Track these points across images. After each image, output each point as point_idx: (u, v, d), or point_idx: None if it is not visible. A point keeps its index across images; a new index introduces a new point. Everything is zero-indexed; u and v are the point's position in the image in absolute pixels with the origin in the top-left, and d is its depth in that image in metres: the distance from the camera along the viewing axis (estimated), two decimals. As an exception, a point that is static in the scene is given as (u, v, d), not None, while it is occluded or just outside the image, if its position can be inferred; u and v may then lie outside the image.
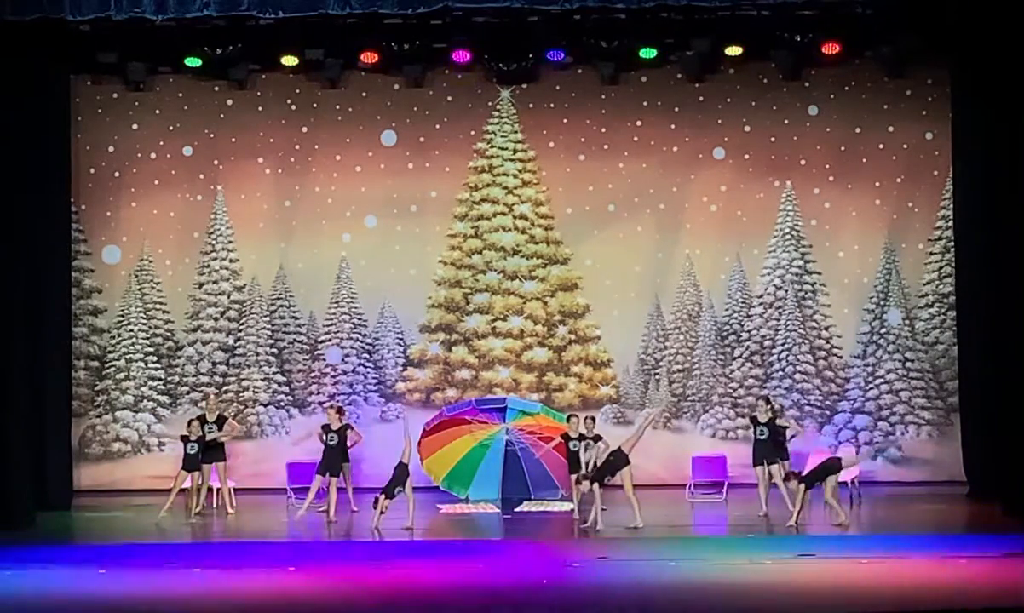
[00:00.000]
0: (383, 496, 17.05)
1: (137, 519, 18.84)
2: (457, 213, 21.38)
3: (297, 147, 21.31)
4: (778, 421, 18.51)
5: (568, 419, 18.72)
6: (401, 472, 17.27)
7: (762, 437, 18.28)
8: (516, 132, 21.35)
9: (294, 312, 21.39)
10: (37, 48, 18.41)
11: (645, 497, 19.12)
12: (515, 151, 21.38)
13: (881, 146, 21.09)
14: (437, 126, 21.26)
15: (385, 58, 20.09)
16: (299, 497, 19.32)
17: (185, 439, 18.68)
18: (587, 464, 17.80)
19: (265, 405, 21.23)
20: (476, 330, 21.32)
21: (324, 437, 18.41)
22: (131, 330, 21.22)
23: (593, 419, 18.79)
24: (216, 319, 21.32)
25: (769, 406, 18.59)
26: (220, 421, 19.05)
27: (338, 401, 20.65)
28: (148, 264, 21.29)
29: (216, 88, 21.14)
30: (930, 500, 19.33)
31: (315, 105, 21.25)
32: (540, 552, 16.04)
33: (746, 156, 21.20)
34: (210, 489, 19.10)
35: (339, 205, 21.34)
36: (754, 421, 18.49)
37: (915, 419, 21.00)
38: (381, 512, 16.97)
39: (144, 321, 21.24)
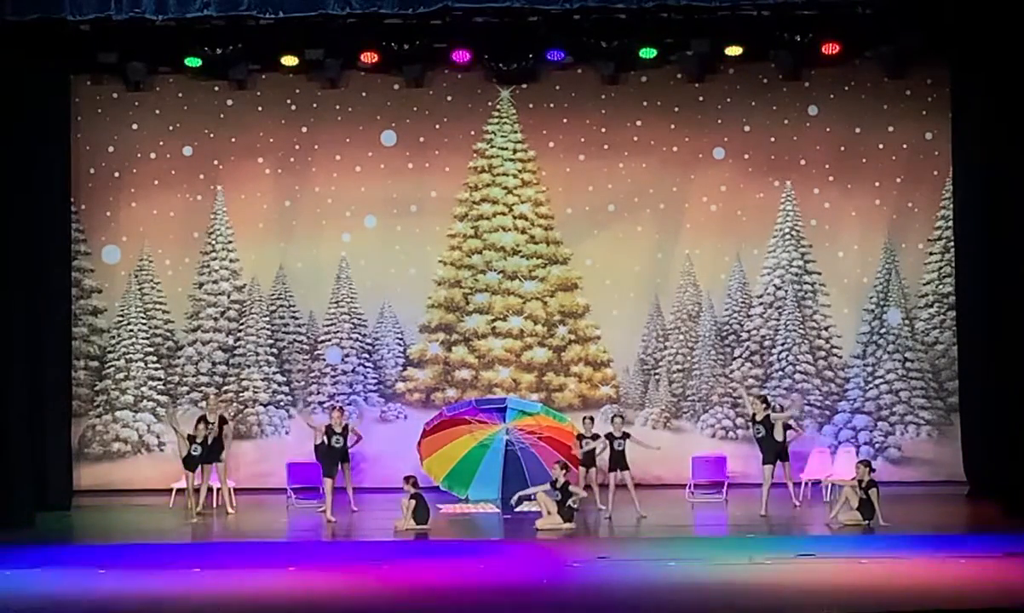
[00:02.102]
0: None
1: (137, 519, 18.86)
2: (457, 213, 21.38)
3: (297, 147, 21.31)
4: (772, 416, 18.44)
5: (584, 421, 19.08)
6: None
7: (759, 435, 18.33)
8: (516, 132, 21.35)
9: (294, 312, 21.38)
10: (37, 48, 18.42)
11: (645, 497, 19.17)
12: (515, 151, 21.38)
13: (881, 146, 21.08)
14: (437, 126, 21.25)
15: (385, 58, 20.10)
16: (299, 497, 19.34)
17: (192, 439, 18.68)
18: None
19: (265, 405, 21.22)
20: (476, 330, 21.32)
21: (328, 440, 18.38)
22: (131, 330, 21.21)
23: (592, 419, 19.06)
24: (216, 319, 21.31)
25: (764, 404, 18.59)
26: (220, 422, 19.08)
27: (338, 401, 20.66)
28: (148, 264, 21.28)
29: (216, 88, 21.13)
30: (930, 500, 19.35)
31: (315, 105, 21.24)
32: (540, 552, 16.04)
33: (746, 156, 21.20)
34: (210, 489, 19.11)
35: (339, 205, 21.34)
36: (753, 419, 18.57)
37: (915, 419, 21.01)
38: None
39: (144, 321, 21.23)
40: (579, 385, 21.24)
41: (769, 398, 19.48)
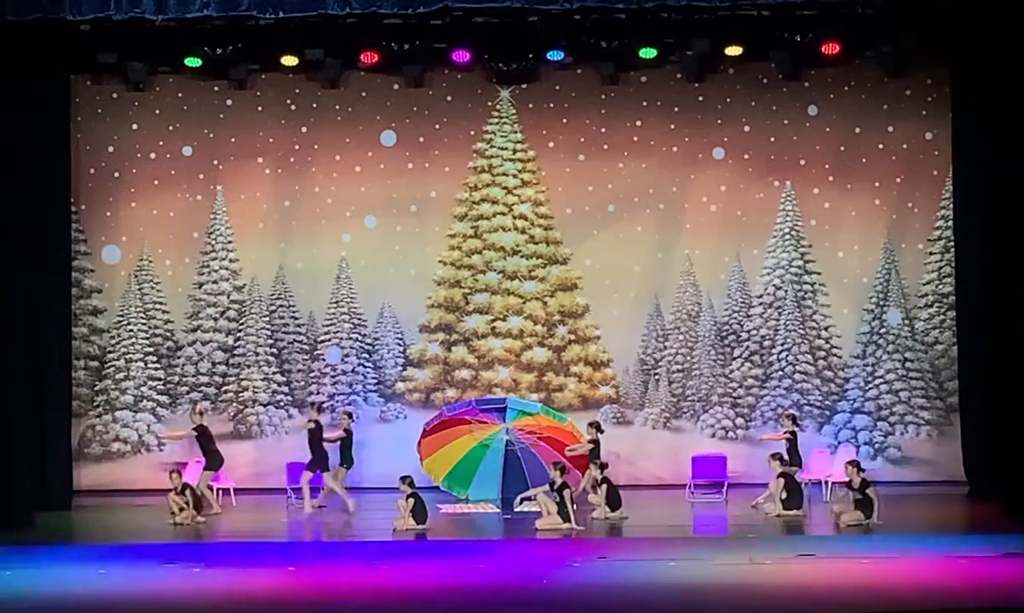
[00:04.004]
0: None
1: (137, 519, 18.86)
2: (457, 213, 21.38)
3: (297, 147, 21.31)
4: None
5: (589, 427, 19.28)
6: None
7: (859, 499, 17.29)
8: (516, 132, 21.35)
9: (294, 312, 21.38)
10: (37, 48, 18.41)
11: (645, 497, 19.20)
12: (515, 151, 21.38)
13: (881, 146, 21.08)
14: (437, 126, 21.25)
15: (385, 58, 20.09)
16: (299, 497, 19.32)
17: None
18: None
19: (265, 405, 21.22)
20: (476, 330, 21.31)
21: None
22: (131, 330, 21.21)
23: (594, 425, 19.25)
24: (216, 319, 21.31)
25: (858, 472, 17.46)
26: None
27: (338, 402, 20.73)
28: (148, 264, 21.28)
29: (216, 88, 21.13)
30: (930, 500, 19.35)
31: (315, 105, 21.24)
32: (540, 552, 16.04)
33: (746, 156, 21.20)
34: (211, 488, 19.16)
35: (339, 205, 21.34)
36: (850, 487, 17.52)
37: (915, 419, 21.01)
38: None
39: (144, 321, 21.23)
40: (579, 385, 21.24)
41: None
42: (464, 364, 21.30)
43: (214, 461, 18.99)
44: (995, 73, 18.19)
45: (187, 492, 18.10)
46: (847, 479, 17.41)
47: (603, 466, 18.26)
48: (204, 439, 18.98)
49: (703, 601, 13.64)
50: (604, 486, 18.00)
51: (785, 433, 19.03)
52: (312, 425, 19.04)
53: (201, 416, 19.31)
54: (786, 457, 18.38)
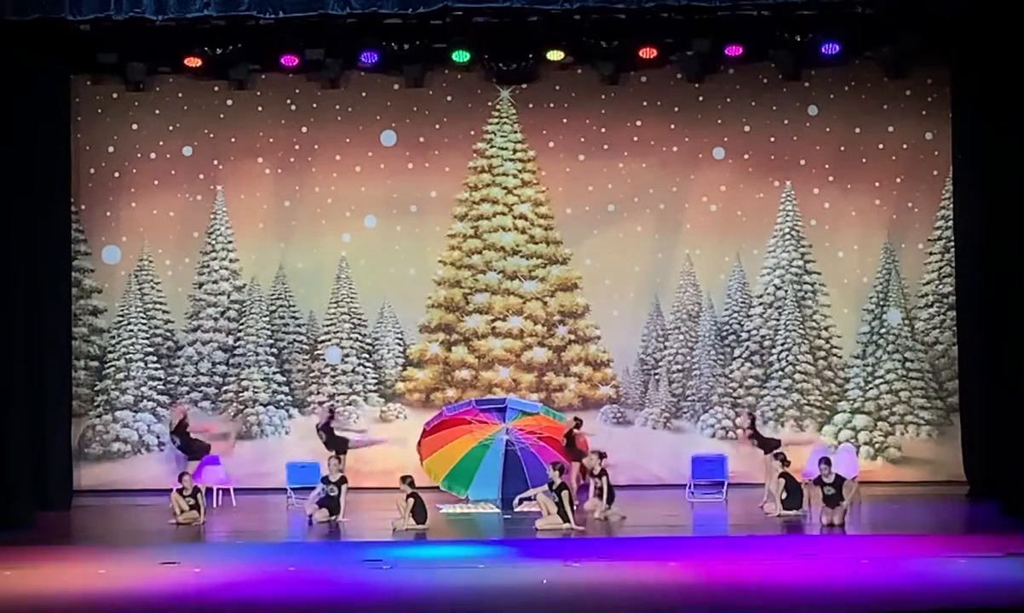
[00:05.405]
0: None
1: (137, 519, 18.86)
2: (457, 213, 21.38)
3: (297, 147, 21.31)
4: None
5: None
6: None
7: (830, 494, 17.13)
8: (516, 132, 21.35)
9: (294, 312, 21.39)
10: (37, 48, 18.42)
11: (645, 497, 19.19)
12: (515, 151, 21.38)
13: (881, 146, 21.10)
14: (437, 126, 21.26)
15: (385, 58, 20.10)
16: (299, 497, 19.33)
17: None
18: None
19: (265, 405, 21.23)
20: (476, 330, 21.32)
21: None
22: (131, 330, 21.21)
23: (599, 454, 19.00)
24: (216, 319, 21.31)
25: (829, 468, 17.28)
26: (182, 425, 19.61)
27: (338, 402, 20.77)
28: (148, 264, 21.28)
29: (216, 88, 21.13)
30: (930, 500, 19.35)
31: (315, 105, 21.25)
32: (540, 552, 16.04)
33: (746, 156, 21.21)
34: (209, 489, 19.17)
35: (339, 205, 21.35)
36: (819, 483, 17.27)
37: (915, 419, 21.01)
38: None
39: (144, 321, 21.23)
40: (579, 385, 21.24)
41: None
42: (464, 364, 21.31)
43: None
44: (995, 73, 18.19)
45: (196, 496, 18.08)
46: (819, 475, 17.30)
47: (602, 455, 18.22)
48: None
49: (703, 601, 13.63)
50: (603, 478, 17.98)
51: (747, 433, 19.12)
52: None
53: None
54: (785, 457, 18.36)
